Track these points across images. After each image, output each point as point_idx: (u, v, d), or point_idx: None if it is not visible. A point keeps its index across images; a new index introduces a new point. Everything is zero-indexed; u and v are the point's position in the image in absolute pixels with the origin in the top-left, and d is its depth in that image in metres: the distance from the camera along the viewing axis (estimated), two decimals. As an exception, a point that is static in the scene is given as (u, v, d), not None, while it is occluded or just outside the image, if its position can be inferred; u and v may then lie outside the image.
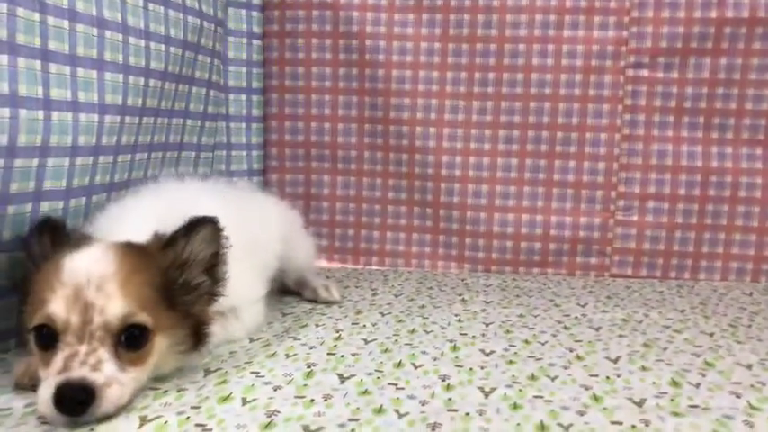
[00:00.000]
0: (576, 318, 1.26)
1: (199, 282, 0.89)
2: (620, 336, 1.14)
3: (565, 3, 1.63)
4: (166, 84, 1.32)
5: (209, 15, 1.49)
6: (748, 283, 1.61)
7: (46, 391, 0.73)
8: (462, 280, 1.61)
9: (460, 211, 1.71)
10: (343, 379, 0.90)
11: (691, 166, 1.63)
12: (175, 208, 0.95)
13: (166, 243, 0.88)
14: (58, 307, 0.77)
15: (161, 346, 0.84)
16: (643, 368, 0.97)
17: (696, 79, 1.61)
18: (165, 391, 0.85)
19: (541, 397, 0.86)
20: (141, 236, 0.90)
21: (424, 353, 1.02)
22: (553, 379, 0.93)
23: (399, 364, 0.96)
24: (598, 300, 1.41)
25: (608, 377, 0.93)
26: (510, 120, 1.68)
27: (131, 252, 0.86)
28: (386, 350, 1.03)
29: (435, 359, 0.99)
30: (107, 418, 0.75)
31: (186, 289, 0.88)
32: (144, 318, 0.80)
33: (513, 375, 0.94)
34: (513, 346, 1.08)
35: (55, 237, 0.89)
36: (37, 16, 0.98)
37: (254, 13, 1.72)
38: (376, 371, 0.94)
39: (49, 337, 0.77)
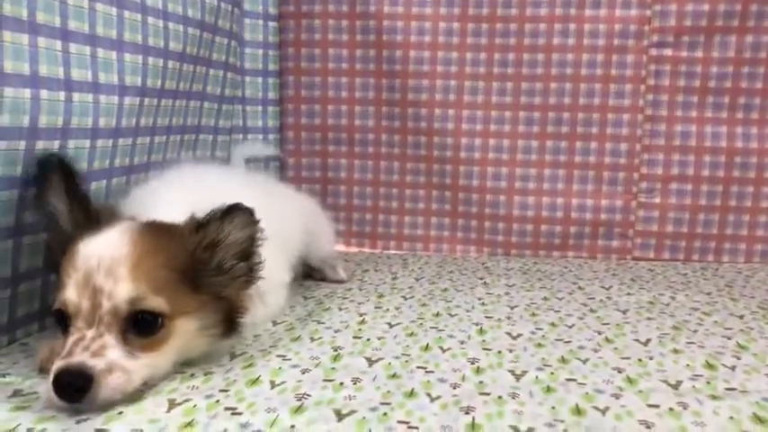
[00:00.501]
0: (602, 301, 1.24)
1: (232, 265, 0.87)
2: (649, 318, 1.12)
3: (587, -19, 1.60)
4: (184, 65, 1.30)
5: (226, -5, 1.47)
6: (773, 266, 1.59)
7: (50, 377, 0.73)
8: (482, 264, 1.59)
9: (480, 194, 1.69)
10: (371, 362, 0.88)
11: (715, 147, 1.60)
12: (203, 193, 0.95)
13: (199, 225, 0.85)
14: (70, 292, 0.77)
15: (184, 330, 0.82)
16: (675, 351, 0.95)
17: (721, 58, 1.57)
18: (192, 375, 0.84)
19: (574, 380, 0.84)
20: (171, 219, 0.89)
21: (450, 336, 1.01)
22: (584, 362, 0.91)
23: (426, 348, 0.95)
24: (622, 282, 1.39)
25: (640, 360, 0.92)
26: (530, 101, 1.66)
27: (151, 232, 0.84)
28: (411, 334, 1.02)
29: (462, 342, 0.98)
30: (108, 405, 0.73)
31: (218, 271, 0.86)
32: (156, 302, 0.78)
33: (543, 358, 0.92)
34: (540, 329, 1.06)
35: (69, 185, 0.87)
36: (57, -5, 0.96)
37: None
38: (403, 354, 0.92)
39: (64, 322, 0.78)
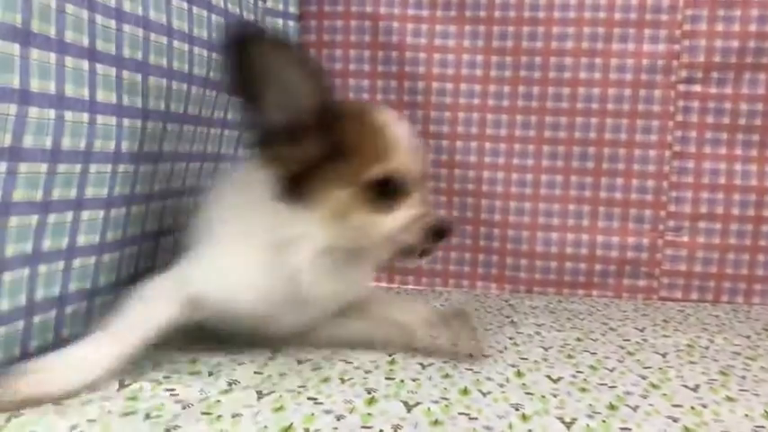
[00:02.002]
0: (638, 343, 1.19)
1: None
2: (691, 362, 1.07)
3: (614, 15, 1.57)
4: (207, 90, 1.26)
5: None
6: (805, 309, 1.54)
7: (417, 231, 0.92)
8: (506, 301, 1.53)
9: (502, 228, 1.65)
10: (408, 407, 0.83)
11: (744, 186, 1.56)
12: None
13: None
14: (401, 162, 0.92)
15: None
16: (729, 399, 0.90)
17: (751, 95, 1.54)
18: (219, 417, 0.78)
19: (629, 429, 0.79)
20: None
21: (488, 379, 0.95)
22: (635, 409, 0.85)
23: (465, 391, 0.89)
24: (655, 324, 1.34)
25: (693, 408, 0.86)
26: (555, 135, 1.62)
27: None
28: (446, 375, 0.96)
29: (502, 385, 0.92)
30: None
31: None
32: None
33: (591, 404, 0.87)
34: (581, 372, 1.01)
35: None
36: (85, 14, 0.92)
37: (291, 23, 1.66)
38: (442, 398, 0.86)
39: (391, 188, 0.92)
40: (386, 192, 0.92)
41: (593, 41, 1.58)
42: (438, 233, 0.93)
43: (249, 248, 0.93)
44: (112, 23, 0.99)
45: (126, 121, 1.02)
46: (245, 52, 0.86)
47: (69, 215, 0.94)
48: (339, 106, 0.93)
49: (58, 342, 0.94)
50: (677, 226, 1.60)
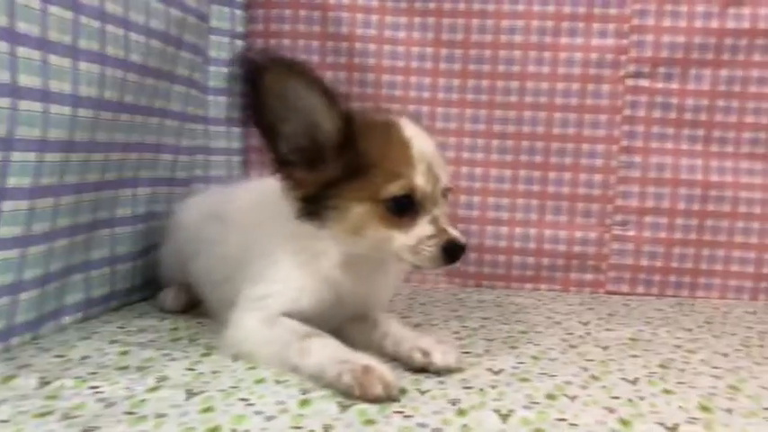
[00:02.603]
0: (581, 336, 1.19)
1: None
2: (633, 356, 1.07)
3: (563, 9, 1.57)
4: (146, 79, 1.22)
5: (194, 9, 1.40)
6: (747, 302, 1.56)
7: (430, 249, 0.93)
8: (455, 295, 1.52)
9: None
10: (343, 407, 0.80)
11: (690, 180, 1.58)
12: None
13: None
14: (420, 179, 0.93)
15: None
16: (666, 391, 0.90)
17: (697, 90, 1.56)
18: (143, 417, 0.75)
19: (565, 420, 0.78)
20: None
21: (427, 377, 0.92)
22: (573, 399, 0.85)
23: (402, 391, 0.86)
24: (600, 317, 1.34)
25: (630, 400, 0.86)
26: (504, 129, 1.61)
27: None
28: (386, 374, 0.94)
29: (442, 382, 0.90)
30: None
31: None
32: None
33: (529, 395, 0.86)
34: (523, 363, 1.00)
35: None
36: (5, -7, 0.88)
37: (238, 12, 1.63)
38: (378, 397, 0.84)
39: (405, 205, 0.93)
40: (403, 208, 0.94)
41: (542, 35, 1.58)
42: (450, 254, 0.94)
43: (293, 262, 0.99)
44: (36, 3, 0.94)
45: (53, 108, 0.98)
46: (259, 81, 0.87)
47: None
48: (359, 123, 0.94)
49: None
50: (624, 220, 1.61)
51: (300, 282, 0.99)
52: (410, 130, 0.97)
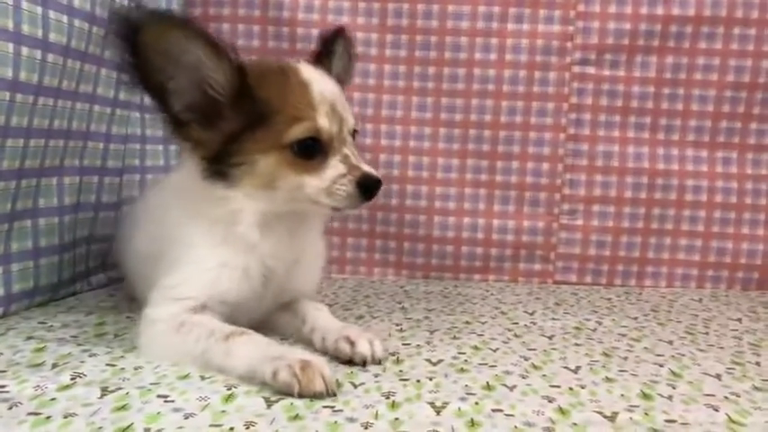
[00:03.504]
0: (526, 326, 1.16)
1: None
2: (576, 344, 1.05)
3: (509, -6, 1.54)
4: (69, 61, 1.15)
5: (122, -11, 1.33)
6: (694, 290, 1.56)
7: (345, 188, 0.91)
8: (401, 287, 1.49)
9: (398, 213, 1.60)
10: (269, 403, 0.75)
11: (637, 168, 1.57)
12: None
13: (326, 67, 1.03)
14: (324, 120, 0.91)
15: None
16: (608, 379, 0.87)
17: (643, 78, 1.55)
18: (49, 418, 0.69)
19: (501, 411, 0.74)
20: None
21: (363, 370, 0.88)
22: (511, 389, 0.82)
23: (337, 384, 0.82)
24: (546, 307, 1.32)
25: (571, 388, 0.83)
26: (451, 117, 1.58)
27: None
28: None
29: (377, 375, 0.86)
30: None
31: None
32: None
33: (467, 385, 0.82)
34: (463, 353, 0.96)
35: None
36: None
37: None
38: (311, 392, 0.80)
39: (313, 148, 0.91)
40: (311, 151, 0.91)
41: (488, 21, 1.55)
42: (366, 189, 0.92)
43: (207, 237, 0.94)
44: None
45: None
46: (140, 40, 0.82)
47: None
48: (253, 71, 0.91)
49: None
50: (572, 209, 1.59)
51: (217, 259, 0.93)
52: (308, 73, 0.94)
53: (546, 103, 1.56)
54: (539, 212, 1.59)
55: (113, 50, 0.85)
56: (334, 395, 0.77)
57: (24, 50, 1.03)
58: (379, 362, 0.90)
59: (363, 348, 0.89)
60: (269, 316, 1.04)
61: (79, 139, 1.26)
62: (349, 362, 0.90)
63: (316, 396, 0.76)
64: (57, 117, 1.16)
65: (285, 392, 0.77)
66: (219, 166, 0.91)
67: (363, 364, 0.89)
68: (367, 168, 0.93)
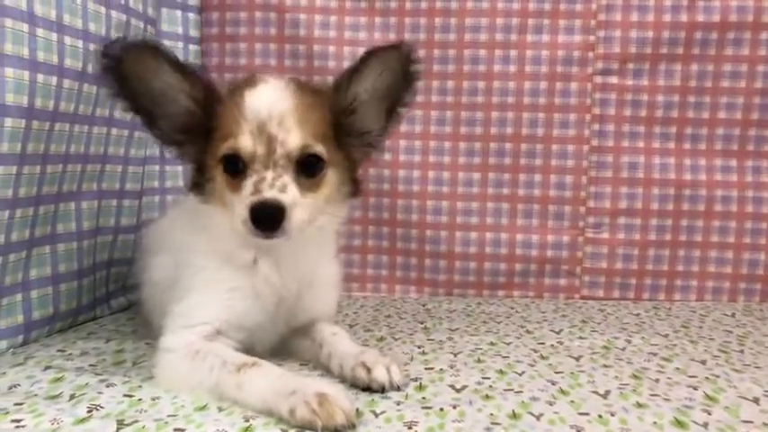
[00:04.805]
0: (553, 346, 1.13)
1: (366, 130, 0.97)
2: (605, 366, 1.01)
3: (528, 5, 1.52)
4: (85, 85, 1.15)
5: (137, 12, 1.32)
6: (726, 303, 1.51)
7: (241, 212, 0.85)
8: (423, 306, 1.46)
9: (419, 229, 1.57)
10: (287, 433, 0.74)
11: (663, 179, 1.53)
12: None
13: (336, 85, 0.94)
14: (245, 140, 0.86)
15: (332, 179, 0.93)
16: (639, 405, 0.84)
17: (667, 87, 1.51)
18: (64, 453, 0.68)
19: (528, 443, 0.72)
20: None
21: (385, 398, 0.86)
22: (538, 417, 0.79)
23: (356, 414, 0.79)
24: (573, 325, 1.28)
25: (600, 416, 0.80)
26: (471, 131, 1.56)
27: (306, 90, 0.92)
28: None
29: (399, 403, 0.84)
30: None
31: (353, 133, 0.96)
32: (320, 149, 0.89)
33: (491, 414, 0.79)
34: (487, 378, 0.93)
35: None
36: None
37: (191, 15, 1.56)
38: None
39: (236, 166, 0.87)
40: (234, 171, 0.88)
41: (508, 33, 1.53)
42: (256, 216, 0.84)
43: (212, 260, 0.94)
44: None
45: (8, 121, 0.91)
46: (121, 71, 0.87)
47: None
48: (219, 91, 0.93)
49: None
50: (597, 222, 1.55)
51: (226, 282, 0.93)
52: (258, 90, 0.91)
53: (568, 115, 1.53)
54: (563, 226, 1.56)
55: (104, 83, 0.89)
56: (354, 427, 0.75)
57: (40, 77, 1.03)
58: (398, 388, 0.87)
59: (380, 375, 0.86)
60: (287, 341, 1.02)
61: (97, 163, 1.26)
62: (368, 389, 0.87)
63: (337, 430, 0.73)
64: (73, 142, 1.16)
65: (306, 428, 0.74)
66: (200, 179, 0.93)
67: (382, 390, 0.86)
68: (267, 195, 0.84)
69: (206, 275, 0.93)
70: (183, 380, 0.86)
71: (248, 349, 0.93)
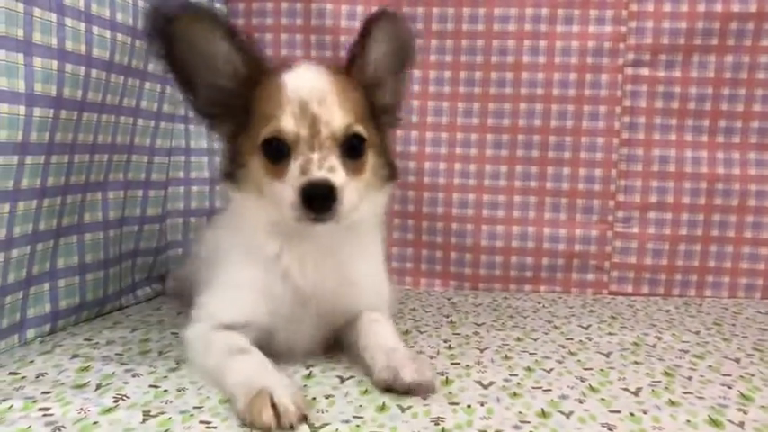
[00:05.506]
0: (581, 341, 1.11)
1: (389, 105, 0.96)
2: (635, 363, 0.99)
3: (558, -5, 1.49)
4: (112, 75, 1.15)
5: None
6: (759, 301, 1.48)
7: (289, 195, 0.81)
8: (449, 299, 1.45)
9: (445, 222, 1.56)
10: (314, 429, 0.73)
11: (695, 173, 1.49)
12: None
13: (356, 63, 0.91)
14: (287, 121, 0.84)
15: (373, 161, 0.91)
16: (671, 402, 0.82)
17: (700, 78, 1.47)
18: (90, 443, 0.68)
19: (558, 441, 0.70)
20: None
21: (411, 390, 0.85)
22: (568, 416, 0.77)
23: (383, 408, 0.79)
24: (601, 320, 1.26)
25: (632, 414, 0.78)
26: (498, 123, 1.53)
27: (340, 71, 0.91)
28: (365, 391, 0.85)
29: (425, 397, 0.83)
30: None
31: (381, 110, 0.94)
32: (362, 129, 0.87)
33: (520, 412, 0.78)
34: (515, 375, 0.92)
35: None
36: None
37: (218, 6, 1.55)
38: (355, 417, 0.77)
39: (279, 150, 0.84)
40: (277, 155, 0.85)
41: (537, 23, 1.50)
42: (307, 199, 0.80)
43: (236, 255, 0.93)
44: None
45: (4, 107, 0.91)
46: (169, 32, 0.84)
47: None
48: (263, 70, 0.90)
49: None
50: (626, 217, 1.52)
51: (241, 280, 0.92)
52: (296, 72, 0.89)
53: (598, 107, 1.50)
54: (592, 220, 1.53)
55: (148, 42, 0.86)
56: (292, 428, 0.71)
57: (68, 67, 1.03)
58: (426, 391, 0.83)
59: (407, 377, 0.82)
60: (339, 335, 0.99)
61: (123, 153, 1.26)
62: (390, 390, 0.83)
63: (265, 428, 0.70)
64: (101, 132, 1.16)
65: (239, 419, 0.73)
66: (232, 166, 0.90)
67: (408, 392, 0.82)
68: (317, 175, 0.81)
69: (226, 272, 0.93)
70: (198, 365, 0.88)
71: (290, 347, 0.94)
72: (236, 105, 0.89)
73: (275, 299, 0.91)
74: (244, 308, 0.90)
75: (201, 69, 0.87)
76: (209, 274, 0.96)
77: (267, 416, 0.70)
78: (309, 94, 0.85)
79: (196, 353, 0.89)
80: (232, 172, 0.90)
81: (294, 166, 0.82)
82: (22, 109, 0.94)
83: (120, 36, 1.15)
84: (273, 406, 0.71)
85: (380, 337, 0.92)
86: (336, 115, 0.85)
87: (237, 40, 0.87)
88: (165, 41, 0.84)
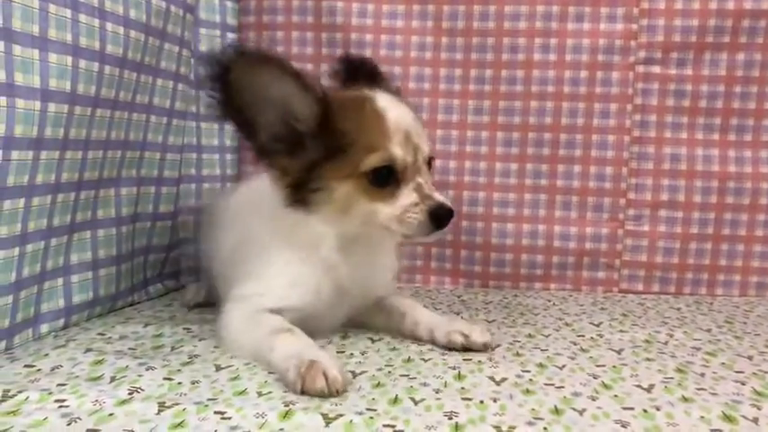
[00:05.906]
0: (593, 339, 1.11)
1: None
2: (648, 359, 0.99)
3: (569, -8, 1.49)
4: (125, 72, 1.16)
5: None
6: (770, 299, 1.47)
7: (416, 215, 0.95)
8: (459, 297, 1.45)
9: (455, 220, 1.55)
10: (328, 420, 0.73)
11: (706, 171, 1.49)
12: None
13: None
14: (398, 150, 0.95)
15: None
16: (685, 399, 0.82)
17: (712, 76, 1.47)
18: (106, 435, 0.68)
19: (572, 437, 0.70)
20: None
21: (424, 384, 0.85)
22: (581, 413, 0.77)
23: (396, 401, 0.79)
24: (612, 318, 1.26)
25: (645, 411, 0.78)
26: (509, 120, 1.53)
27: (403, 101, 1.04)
28: (378, 384, 0.86)
29: (438, 391, 0.83)
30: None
31: None
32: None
33: (533, 409, 0.78)
34: (527, 371, 0.92)
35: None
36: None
37: (229, 4, 1.56)
38: (368, 409, 0.76)
39: (387, 176, 0.95)
40: (385, 179, 0.95)
41: (547, 21, 1.50)
42: (437, 218, 0.95)
43: (284, 256, 1.01)
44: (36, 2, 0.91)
45: (19, 102, 0.92)
46: (230, 78, 0.89)
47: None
48: (334, 103, 0.96)
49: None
50: (637, 215, 1.52)
51: (293, 277, 1.00)
52: (384, 101, 0.98)
53: (609, 105, 1.50)
54: (602, 218, 1.53)
55: (206, 90, 0.90)
56: (338, 394, 0.80)
57: (82, 63, 1.03)
58: (492, 348, 1.01)
59: (477, 337, 1.00)
60: (354, 317, 1.11)
61: (136, 150, 1.26)
62: (467, 349, 1.00)
63: (318, 395, 0.79)
64: (114, 128, 1.16)
65: (291, 390, 0.81)
66: (300, 193, 0.96)
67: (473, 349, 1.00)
68: (440, 198, 0.96)
69: (273, 269, 1.01)
70: (237, 339, 0.96)
71: (317, 327, 1.02)
72: (301, 139, 0.95)
73: (320, 291, 1.01)
74: (291, 297, 1.00)
75: (266, 111, 0.93)
76: (244, 258, 1.05)
77: (321, 383, 0.79)
78: (408, 123, 0.97)
79: (238, 332, 0.97)
80: (302, 197, 0.97)
81: (406, 191, 0.96)
82: (37, 104, 0.95)
83: (133, 33, 1.16)
84: (323, 375, 0.80)
85: (427, 313, 1.09)
86: (425, 143, 0.99)
87: (301, 80, 0.93)
88: (223, 87, 0.89)
